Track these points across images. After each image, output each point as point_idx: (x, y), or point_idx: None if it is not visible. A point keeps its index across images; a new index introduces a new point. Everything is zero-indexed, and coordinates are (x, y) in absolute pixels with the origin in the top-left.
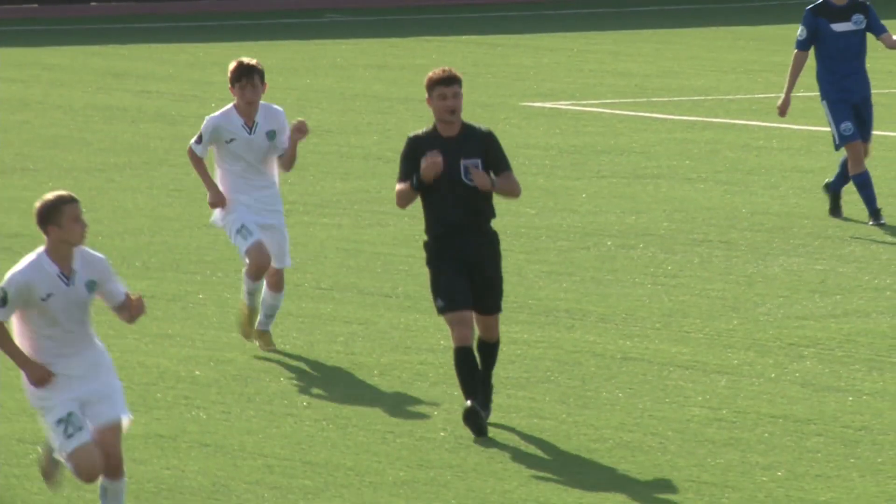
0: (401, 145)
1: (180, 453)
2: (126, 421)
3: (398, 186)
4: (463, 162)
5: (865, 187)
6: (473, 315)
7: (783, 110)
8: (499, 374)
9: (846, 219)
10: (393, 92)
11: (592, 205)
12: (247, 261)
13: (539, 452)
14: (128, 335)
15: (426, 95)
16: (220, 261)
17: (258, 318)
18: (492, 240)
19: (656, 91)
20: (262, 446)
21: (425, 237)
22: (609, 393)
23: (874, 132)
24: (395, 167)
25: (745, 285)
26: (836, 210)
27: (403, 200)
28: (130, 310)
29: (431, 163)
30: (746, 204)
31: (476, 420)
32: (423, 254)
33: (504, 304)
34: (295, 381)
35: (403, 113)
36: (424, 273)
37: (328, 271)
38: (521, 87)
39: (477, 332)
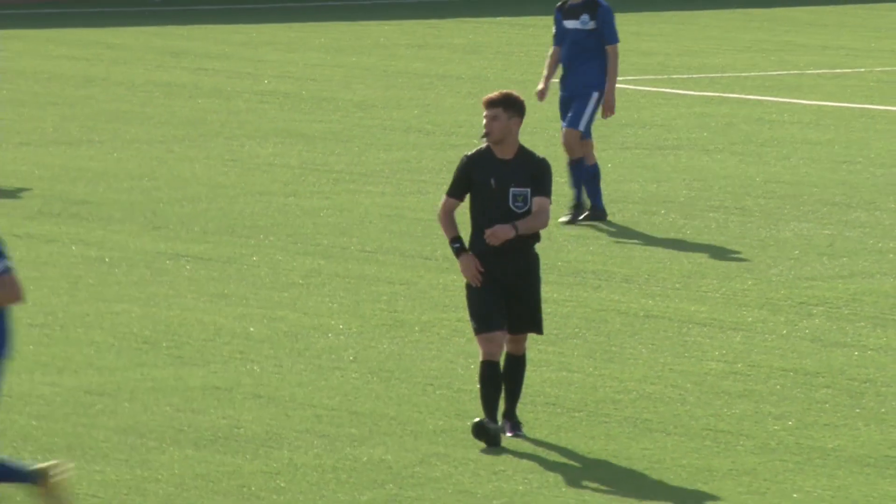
0: (439, 118)
1: (235, 404)
2: None
3: (445, 201)
4: (512, 191)
5: (587, 179)
6: (505, 335)
7: (541, 97)
8: None
9: (851, 187)
10: (432, 69)
11: (617, 174)
12: None
13: (568, 403)
14: (186, 295)
15: None
16: (273, 226)
17: None
18: (533, 262)
19: (676, 69)
20: (311, 397)
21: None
22: (632, 348)
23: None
24: (434, 139)
25: (758, 248)
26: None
27: (443, 224)
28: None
29: (474, 275)
30: (760, 173)
31: (484, 434)
32: (461, 218)
33: None
34: (342, 337)
35: (442, 89)
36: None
37: (372, 235)
38: None
39: (505, 347)
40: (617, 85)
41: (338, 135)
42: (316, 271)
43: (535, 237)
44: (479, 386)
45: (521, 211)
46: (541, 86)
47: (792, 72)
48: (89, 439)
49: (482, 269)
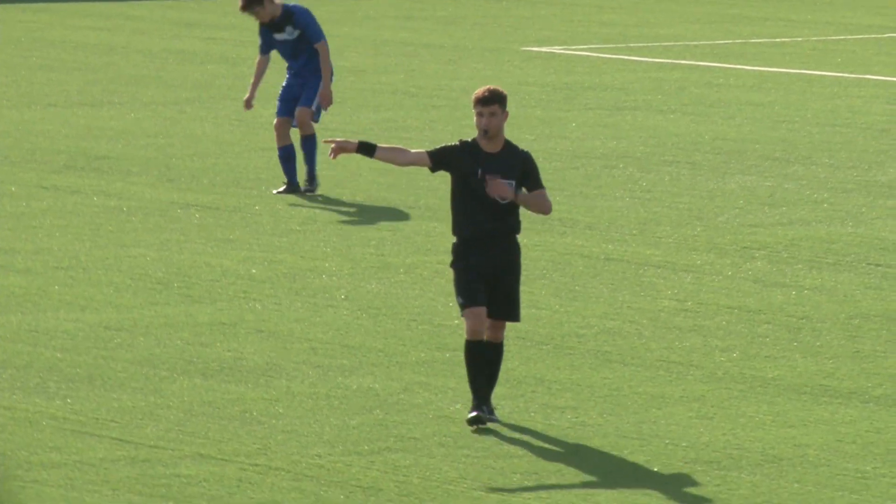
0: (422, 82)
1: (239, 338)
2: None
3: (419, 151)
4: (487, 177)
5: (288, 160)
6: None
7: (247, 105)
8: None
9: (790, 144)
10: (417, 38)
11: (581, 132)
12: None
13: (536, 336)
14: (196, 240)
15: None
16: (274, 178)
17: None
18: (515, 253)
19: (634, 38)
20: (307, 332)
21: (454, 239)
22: (594, 288)
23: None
24: (418, 101)
25: (706, 199)
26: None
27: (404, 160)
28: None
29: (501, 186)
30: (708, 131)
31: (480, 423)
32: (441, 173)
33: None
34: (335, 278)
35: (425, 56)
36: (444, 188)
37: (362, 187)
38: (522, 35)
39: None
40: (582, 52)
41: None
42: (312, 219)
43: (518, 228)
44: (466, 365)
45: (504, 202)
46: (248, 95)
47: (737, 41)
48: (108, 370)
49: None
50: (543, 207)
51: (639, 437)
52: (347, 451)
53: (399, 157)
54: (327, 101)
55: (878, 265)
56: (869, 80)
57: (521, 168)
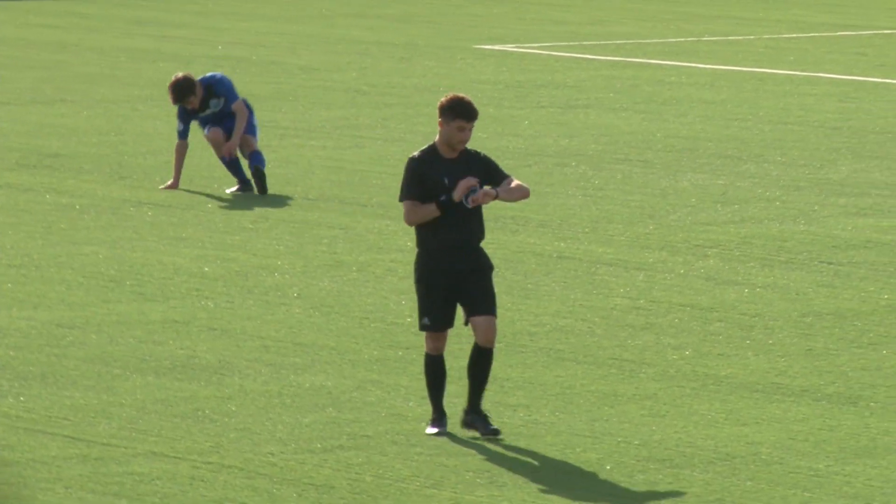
0: (374, 80)
1: (192, 335)
2: None
3: (408, 205)
4: (461, 182)
5: (231, 164)
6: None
7: (173, 187)
8: None
9: (742, 142)
10: (368, 36)
11: (533, 130)
12: None
13: None
14: (148, 238)
15: (439, 117)
16: (225, 176)
17: None
18: (483, 256)
19: (586, 36)
20: (259, 330)
21: (417, 250)
22: (547, 286)
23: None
24: (370, 98)
25: (659, 197)
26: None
27: (417, 217)
28: None
29: (467, 186)
30: (660, 129)
31: (441, 435)
32: (394, 170)
33: None
34: (287, 276)
35: (377, 54)
36: (396, 186)
37: (315, 185)
38: (475, 33)
39: (474, 338)
40: (534, 51)
41: (284, 95)
42: (264, 217)
43: (483, 237)
44: (426, 380)
45: (469, 210)
46: (172, 182)
47: (689, 39)
48: (61, 368)
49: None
50: (523, 192)
51: (591, 435)
52: (300, 449)
53: (423, 210)
54: (229, 150)
55: (830, 263)
56: (821, 77)
57: (484, 169)
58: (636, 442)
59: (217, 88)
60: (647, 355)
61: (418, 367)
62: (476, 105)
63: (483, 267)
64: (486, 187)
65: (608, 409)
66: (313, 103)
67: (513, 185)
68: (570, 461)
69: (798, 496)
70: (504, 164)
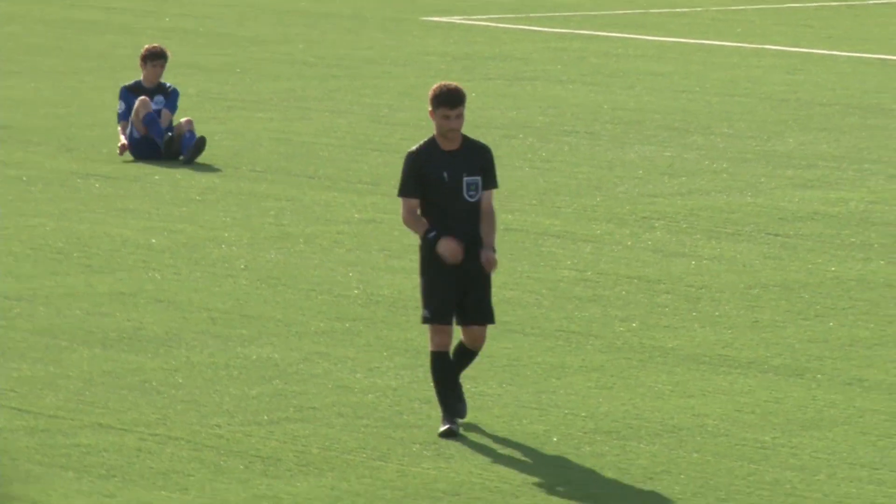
0: (322, 52)
1: (139, 308)
2: None
3: (406, 206)
4: (465, 180)
5: (151, 124)
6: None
7: (122, 151)
8: (402, 242)
9: (689, 114)
10: (317, 8)
11: (481, 102)
12: None
13: None
14: (96, 210)
15: (429, 107)
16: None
17: None
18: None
19: (534, 8)
20: (206, 302)
21: (420, 242)
22: None
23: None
24: (318, 71)
25: (606, 169)
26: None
27: (410, 226)
28: None
29: (454, 252)
30: (607, 101)
31: (453, 436)
32: (341, 142)
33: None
34: (234, 248)
35: (325, 26)
36: (343, 157)
37: (262, 157)
38: (422, 5)
39: (462, 337)
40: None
41: (232, 66)
42: (211, 189)
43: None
44: (433, 378)
45: (474, 199)
46: (121, 143)
47: (637, 11)
48: (8, 340)
49: (460, 248)
50: (496, 226)
51: (538, 407)
52: (247, 421)
53: (417, 223)
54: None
55: (776, 235)
56: (768, 50)
57: (480, 167)
58: (583, 414)
59: (172, 94)
60: (594, 327)
61: (365, 340)
62: (462, 90)
63: (485, 277)
64: (487, 254)
65: (555, 380)
66: (261, 75)
67: (484, 209)
68: (517, 433)
69: (744, 468)
70: None
